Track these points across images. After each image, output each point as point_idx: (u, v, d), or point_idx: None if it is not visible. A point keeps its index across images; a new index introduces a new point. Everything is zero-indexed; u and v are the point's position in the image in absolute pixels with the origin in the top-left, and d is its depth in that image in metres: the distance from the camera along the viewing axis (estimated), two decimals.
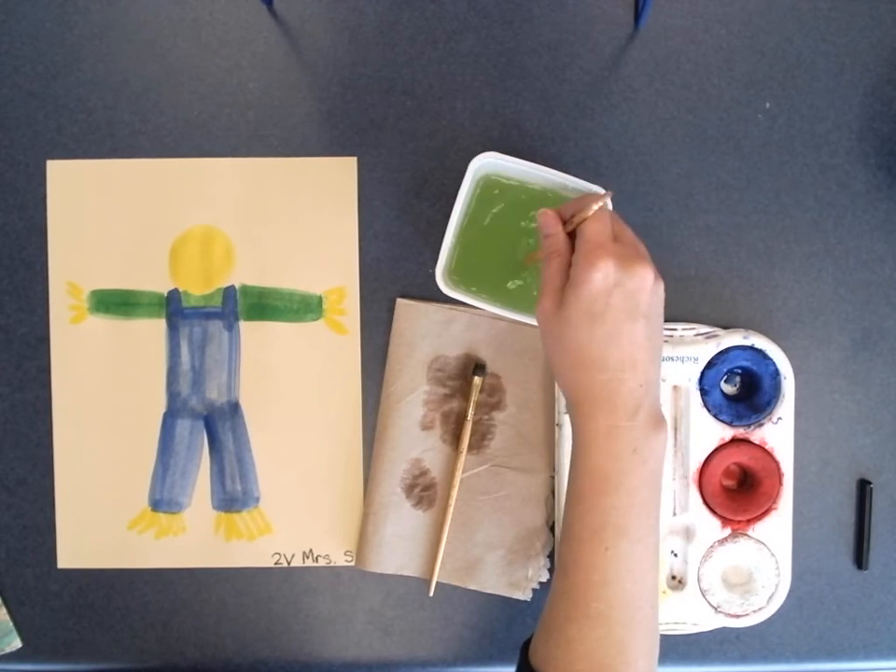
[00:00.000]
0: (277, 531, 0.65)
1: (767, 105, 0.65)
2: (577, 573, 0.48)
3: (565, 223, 0.52)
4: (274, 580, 0.66)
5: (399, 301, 0.65)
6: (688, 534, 0.63)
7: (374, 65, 0.64)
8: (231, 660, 0.66)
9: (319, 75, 0.65)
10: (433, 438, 0.65)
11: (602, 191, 0.58)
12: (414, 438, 0.65)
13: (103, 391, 0.65)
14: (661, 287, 0.50)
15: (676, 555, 0.64)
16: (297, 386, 0.65)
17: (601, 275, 0.47)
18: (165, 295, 0.65)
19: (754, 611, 0.63)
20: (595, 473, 0.49)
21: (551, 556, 0.65)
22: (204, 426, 0.65)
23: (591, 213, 0.50)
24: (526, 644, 0.52)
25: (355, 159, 0.65)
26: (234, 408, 0.65)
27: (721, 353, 0.63)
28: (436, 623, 0.66)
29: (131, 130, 0.65)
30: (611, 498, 0.48)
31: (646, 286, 0.48)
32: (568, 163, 0.64)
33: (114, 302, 0.65)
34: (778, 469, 0.63)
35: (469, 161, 0.58)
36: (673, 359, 0.62)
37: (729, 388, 0.65)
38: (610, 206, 0.58)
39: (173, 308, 0.65)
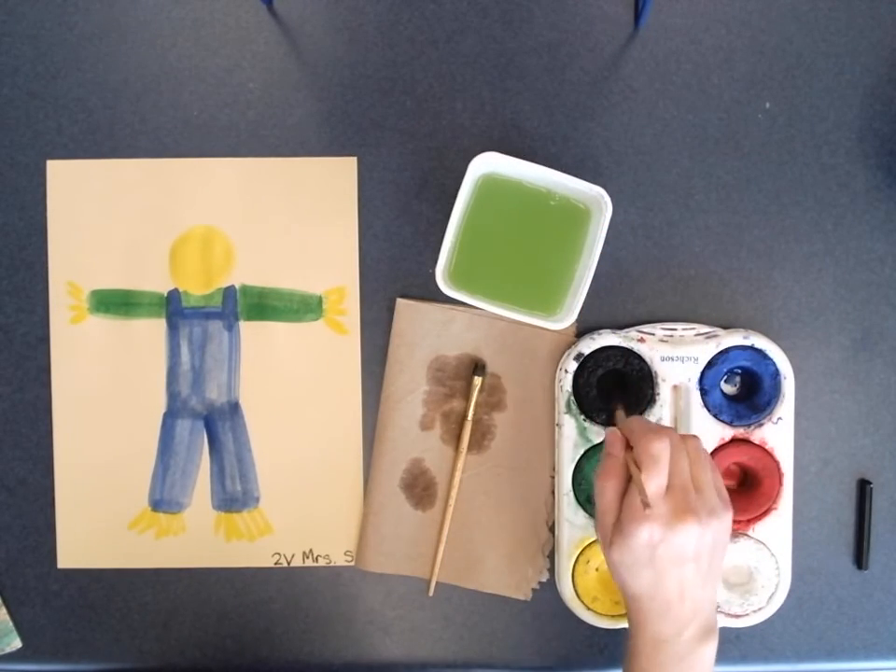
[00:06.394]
0: (277, 531, 0.65)
1: (767, 105, 0.65)
2: None
3: (629, 446, 0.54)
4: (274, 580, 0.66)
5: (399, 301, 0.65)
6: None
7: (374, 65, 0.64)
8: (231, 660, 0.66)
9: (319, 75, 0.65)
10: (433, 438, 0.65)
11: (606, 199, 0.57)
12: (414, 438, 0.65)
13: (103, 391, 0.65)
14: (712, 525, 0.52)
15: None
16: (297, 386, 0.65)
17: (646, 535, 0.51)
18: (165, 295, 0.65)
19: (754, 611, 0.63)
20: None
21: (550, 556, 0.65)
22: (204, 426, 0.65)
23: (641, 492, 0.51)
24: None
25: (355, 159, 0.65)
26: (234, 408, 0.65)
27: (721, 353, 0.63)
28: (436, 623, 0.66)
29: (131, 130, 0.65)
30: None
31: (691, 538, 0.51)
32: (568, 163, 0.64)
33: (114, 302, 0.65)
34: (778, 468, 0.63)
35: (469, 161, 0.58)
36: (673, 359, 0.62)
37: (729, 388, 0.65)
38: (609, 214, 0.58)
39: (173, 308, 0.65)
